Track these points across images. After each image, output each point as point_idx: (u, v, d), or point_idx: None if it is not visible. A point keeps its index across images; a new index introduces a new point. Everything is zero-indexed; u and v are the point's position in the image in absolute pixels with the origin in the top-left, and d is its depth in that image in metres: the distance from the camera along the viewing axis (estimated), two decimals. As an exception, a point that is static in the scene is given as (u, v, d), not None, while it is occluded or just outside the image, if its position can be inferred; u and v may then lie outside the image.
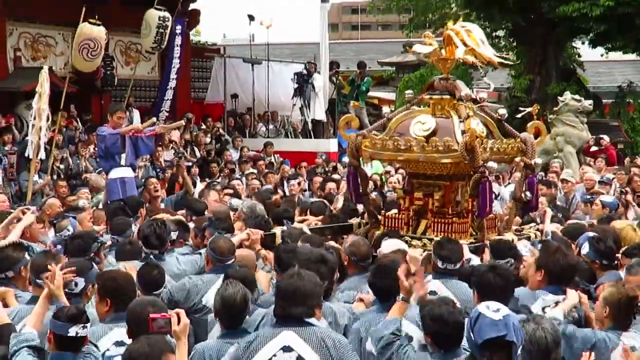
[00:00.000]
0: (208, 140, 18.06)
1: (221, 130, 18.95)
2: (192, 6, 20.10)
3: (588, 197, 10.40)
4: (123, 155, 10.57)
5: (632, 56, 26.69)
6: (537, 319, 4.05)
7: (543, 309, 4.89)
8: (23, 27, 17.23)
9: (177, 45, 17.00)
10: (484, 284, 4.71)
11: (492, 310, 3.81)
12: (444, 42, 6.97)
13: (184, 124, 13.61)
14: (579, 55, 24.86)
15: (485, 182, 6.54)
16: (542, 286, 5.10)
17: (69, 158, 14.24)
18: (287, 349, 4.21)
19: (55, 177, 13.01)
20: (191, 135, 17.86)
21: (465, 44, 6.75)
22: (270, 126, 20.58)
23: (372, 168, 14.09)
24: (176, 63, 17.19)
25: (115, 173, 10.49)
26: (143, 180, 11.93)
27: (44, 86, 11.49)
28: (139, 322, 4.27)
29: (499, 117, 7.12)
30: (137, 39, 17.96)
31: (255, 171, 14.40)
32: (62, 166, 13.90)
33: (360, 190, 7.33)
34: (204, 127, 19.03)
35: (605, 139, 16.32)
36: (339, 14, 73.92)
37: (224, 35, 50.08)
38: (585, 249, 5.94)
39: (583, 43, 23.75)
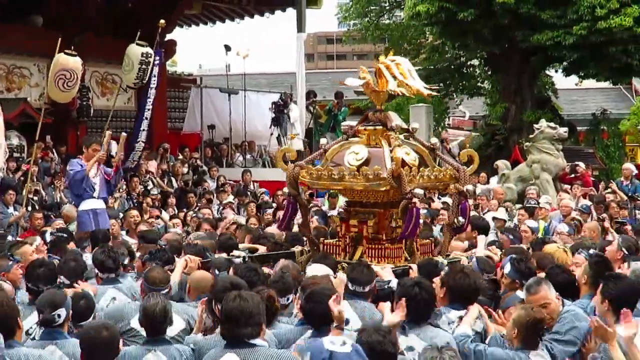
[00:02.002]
0: (185, 170, 18.00)
1: (198, 161, 18.90)
2: (168, 37, 20.11)
3: None
4: (96, 187, 10.58)
5: (604, 84, 27.02)
6: (442, 350, 4.19)
7: (449, 324, 5.23)
8: (-2, 58, 17.16)
9: (154, 76, 16.92)
10: (409, 297, 4.99)
11: (340, 344, 4.04)
12: (376, 75, 7.29)
13: (125, 135, 13.43)
14: (553, 84, 25.10)
15: (413, 207, 6.82)
16: (445, 303, 5.42)
17: (41, 190, 14.11)
18: None
19: (30, 208, 12.90)
20: (168, 165, 17.78)
21: (394, 77, 7.08)
22: (248, 156, 20.55)
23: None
24: (152, 94, 17.09)
25: (87, 205, 10.47)
26: (122, 212, 11.96)
27: None
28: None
29: (432, 145, 7.52)
30: (113, 70, 17.92)
31: (233, 200, 14.35)
32: (36, 198, 13.78)
33: (297, 219, 7.66)
34: (180, 157, 18.97)
35: (581, 165, 16.44)
36: (315, 44, 74.28)
37: (199, 66, 50.18)
38: (507, 268, 6.18)
39: (557, 71, 23.99)
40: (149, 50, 15.57)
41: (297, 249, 7.74)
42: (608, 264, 6.35)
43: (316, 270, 6.30)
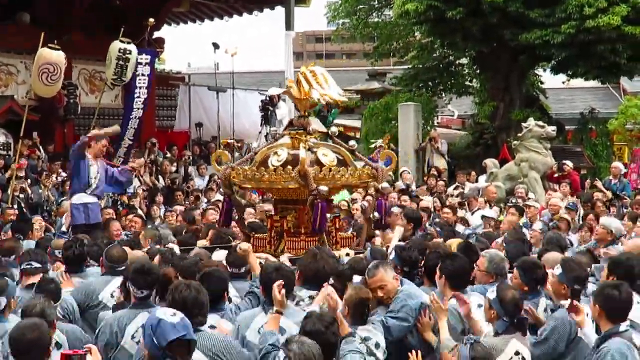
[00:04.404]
0: (174, 168, 17.93)
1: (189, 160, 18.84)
2: (156, 34, 20.03)
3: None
4: (93, 184, 10.69)
5: (592, 83, 27.04)
6: (301, 339, 4.49)
7: (297, 303, 5.83)
8: (-16, 55, 17.08)
9: (141, 75, 16.78)
10: (266, 282, 5.63)
11: (170, 315, 4.34)
12: (297, 84, 8.06)
13: (118, 128, 13.48)
14: (541, 83, 25.10)
15: (319, 203, 7.54)
16: (299, 284, 6.03)
17: (27, 189, 14.02)
18: None
19: (16, 206, 12.84)
20: (156, 161, 17.74)
21: (311, 86, 7.86)
22: (236, 154, 20.48)
23: (339, 195, 14.05)
24: (142, 93, 16.95)
25: (79, 199, 10.62)
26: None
27: None
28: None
29: (350, 147, 8.39)
30: (101, 67, 17.83)
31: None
32: (22, 196, 13.69)
33: (232, 216, 8.55)
34: (169, 155, 18.91)
35: (569, 164, 16.45)
36: (304, 42, 74.23)
37: (188, 64, 49.98)
38: (392, 255, 6.85)
39: (545, 70, 23.99)
40: (129, 46, 15.50)
41: (235, 242, 8.28)
42: (473, 248, 7.11)
43: (218, 255, 7.31)
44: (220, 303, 5.80)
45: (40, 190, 14.20)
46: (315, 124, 8.17)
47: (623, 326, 5.12)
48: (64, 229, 10.85)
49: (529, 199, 13.42)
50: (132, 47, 15.77)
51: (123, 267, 6.72)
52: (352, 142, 8.62)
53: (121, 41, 15.61)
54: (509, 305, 5.29)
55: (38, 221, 11.14)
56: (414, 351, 5.13)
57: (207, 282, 5.59)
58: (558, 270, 5.98)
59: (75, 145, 10.80)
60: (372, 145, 20.06)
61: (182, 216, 12.06)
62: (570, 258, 6.52)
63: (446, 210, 11.86)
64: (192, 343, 4.34)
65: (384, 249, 7.70)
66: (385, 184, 8.27)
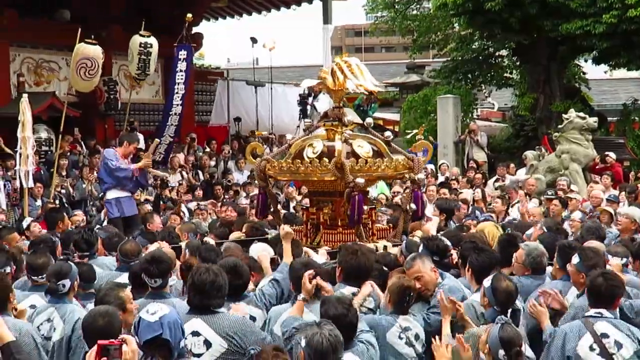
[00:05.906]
0: (213, 163, 18.03)
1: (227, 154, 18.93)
2: (194, 29, 20.14)
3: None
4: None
5: (635, 74, 26.64)
6: (321, 324, 4.42)
7: None
8: (26, 52, 17.28)
9: (180, 71, 16.85)
10: (296, 278, 5.59)
11: (150, 313, 4.25)
12: (332, 75, 7.94)
13: (158, 141, 13.62)
14: (583, 73, 24.78)
15: (356, 195, 7.43)
16: (340, 280, 5.94)
17: (68, 186, 14.19)
18: (195, 333, 4.92)
19: (57, 202, 13.01)
20: (195, 156, 17.84)
21: (346, 76, 7.78)
22: (275, 148, 20.51)
23: (377, 189, 14.03)
24: (180, 89, 17.03)
25: (112, 194, 10.86)
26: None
27: (25, 114, 11.65)
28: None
29: (386, 138, 8.22)
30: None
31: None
32: (63, 191, 13.86)
33: (268, 208, 8.43)
34: (207, 149, 19.00)
35: (612, 155, 16.22)
36: (343, 36, 74.11)
37: (228, 60, 50.24)
38: (420, 247, 6.71)
39: (586, 61, 23.69)
40: (149, 40, 15.63)
41: (273, 233, 8.29)
42: (513, 240, 7.03)
43: (257, 249, 7.05)
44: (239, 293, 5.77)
45: (84, 185, 14.38)
46: (351, 115, 8.01)
47: (592, 312, 5.24)
48: (105, 223, 11.00)
49: (571, 191, 13.26)
50: (153, 40, 15.87)
51: (137, 261, 6.77)
52: (387, 133, 8.49)
53: (141, 35, 15.70)
54: (501, 295, 5.31)
55: (79, 215, 11.28)
56: (437, 336, 5.12)
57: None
58: (576, 259, 5.95)
59: (125, 169, 10.80)
60: (409, 137, 19.98)
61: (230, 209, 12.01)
62: (588, 247, 6.47)
63: (497, 200, 11.86)
64: (169, 343, 4.23)
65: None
66: (421, 175, 8.18)
